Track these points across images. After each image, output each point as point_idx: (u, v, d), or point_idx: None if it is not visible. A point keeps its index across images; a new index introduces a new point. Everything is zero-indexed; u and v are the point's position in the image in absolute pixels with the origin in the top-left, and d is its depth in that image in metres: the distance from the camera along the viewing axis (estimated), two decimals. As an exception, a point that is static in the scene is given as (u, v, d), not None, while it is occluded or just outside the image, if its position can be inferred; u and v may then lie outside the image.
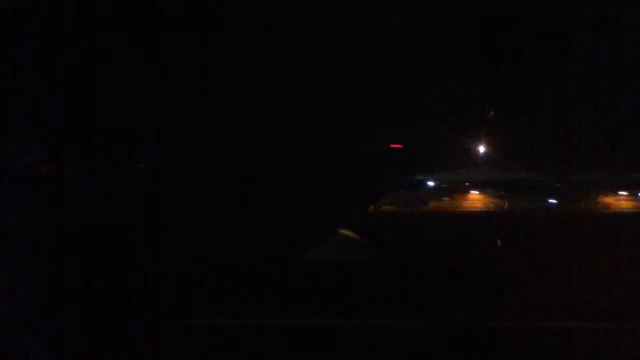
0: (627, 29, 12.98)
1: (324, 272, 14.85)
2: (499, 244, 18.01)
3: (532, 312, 12.56)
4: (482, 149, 15.17)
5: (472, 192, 28.03)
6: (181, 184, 12.36)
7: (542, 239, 19.44)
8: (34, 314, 10.79)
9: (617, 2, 12.88)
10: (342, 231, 15.99)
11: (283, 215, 12.74)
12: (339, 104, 12.71)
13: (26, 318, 10.72)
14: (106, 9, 12.02)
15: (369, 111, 12.95)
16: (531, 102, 14.21)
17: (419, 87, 13.21)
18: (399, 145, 15.81)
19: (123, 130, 12.18)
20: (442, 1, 13.05)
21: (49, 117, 12.07)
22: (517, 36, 13.17)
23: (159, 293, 11.49)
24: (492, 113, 14.65)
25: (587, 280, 13.80)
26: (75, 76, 12.14)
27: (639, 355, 10.64)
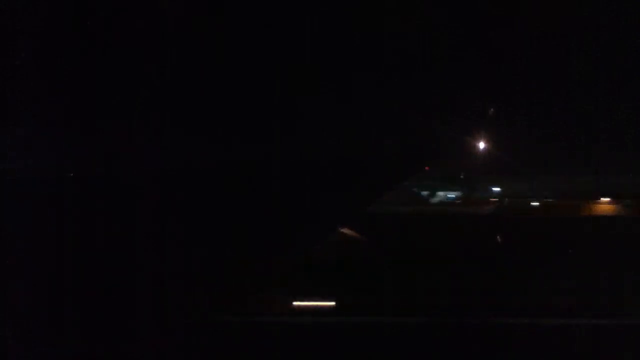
0: (627, 29, 12.98)
1: (324, 270, 14.86)
2: (499, 240, 17.95)
3: (532, 309, 12.61)
4: (482, 146, 15.17)
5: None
6: (182, 184, 12.38)
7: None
8: (34, 314, 10.81)
9: (617, 2, 12.88)
10: (343, 230, 16.01)
11: (283, 214, 12.76)
12: (339, 104, 12.71)
13: (26, 318, 10.73)
14: (106, 9, 12.02)
15: (369, 111, 12.96)
16: (531, 102, 14.22)
17: (419, 87, 13.21)
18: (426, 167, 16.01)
19: (123, 130, 12.19)
20: (442, 1, 13.04)
21: (49, 117, 12.08)
22: (517, 36, 13.16)
23: (161, 292, 11.51)
24: (492, 110, 14.64)
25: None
26: (75, 76, 12.15)
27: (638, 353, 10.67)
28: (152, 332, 10.88)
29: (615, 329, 11.79)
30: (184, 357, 10.80)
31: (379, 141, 13.31)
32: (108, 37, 12.01)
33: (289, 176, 12.67)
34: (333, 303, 12.95)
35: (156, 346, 10.64)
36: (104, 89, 12.10)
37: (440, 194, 20.94)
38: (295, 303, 12.90)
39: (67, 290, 11.14)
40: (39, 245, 11.40)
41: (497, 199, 21.02)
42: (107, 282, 11.41)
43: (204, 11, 12.08)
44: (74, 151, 12.19)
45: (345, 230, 16.19)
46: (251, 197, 12.49)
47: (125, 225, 11.86)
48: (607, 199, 20.81)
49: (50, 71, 12.09)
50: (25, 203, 11.59)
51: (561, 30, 13.13)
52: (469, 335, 11.68)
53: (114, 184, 12.09)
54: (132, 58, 12.07)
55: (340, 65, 12.61)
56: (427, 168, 16.96)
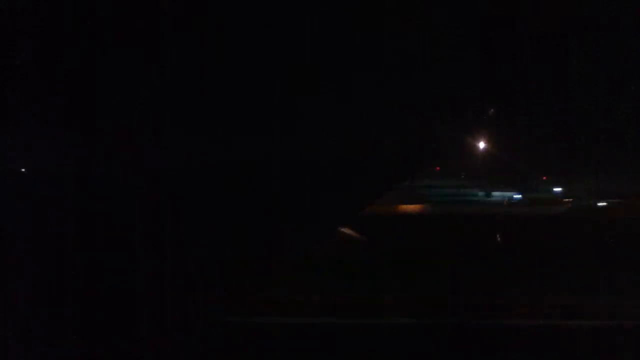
0: (627, 28, 12.98)
1: (325, 269, 14.88)
2: (499, 239, 17.93)
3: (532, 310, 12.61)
4: (482, 146, 15.19)
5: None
6: (182, 184, 12.38)
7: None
8: (34, 314, 10.82)
9: (616, 2, 12.88)
10: (343, 229, 16.05)
11: (283, 214, 12.76)
12: (339, 104, 12.71)
13: (26, 318, 10.74)
14: (106, 9, 12.02)
15: (369, 111, 12.96)
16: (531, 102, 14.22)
17: (419, 87, 13.20)
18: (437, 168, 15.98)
19: (123, 130, 12.19)
20: (442, 1, 13.03)
21: (49, 117, 12.08)
22: (517, 36, 13.15)
23: (161, 292, 11.52)
24: (492, 110, 14.64)
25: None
26: (75, 76, 12.15)
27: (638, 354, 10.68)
28: (152, 332, 10.89)
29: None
30: (184, 357, 10.82)
31: (379, 141, 13.31)
32: (108, 37, 12.00)
33: (289, 176, 12.67)
34: (334, 301, 12.97)
35: (156, 346, 10.66)
36: (104, 89, 12.09)
37: (497, 194, 20.78)
38: (295, 302, 12.93)
39: (67, 290, 11.15)
40: (39, 245, 11.40)
41: (569, 199, 20.73)
42: (107, 282, 11.41)
43: (204, 11, 12.08)
44: (74, 151, 12.18)
45: (346, 230, 16.23)
46: (251, 197, 12.49)
47: (125, 225, 11.86)
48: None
49: (50, 71, 12.09)
50: (25, 203, 11.60)
51: (561, 30, 13.14)
52: (469, 336, 11.70)
53: (114, 184, 12.10)
54: (132, 58, 12.06)
55: (340, 65, 12.61)
56: (437, 168, 16.94)
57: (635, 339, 11.11)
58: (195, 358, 10.85)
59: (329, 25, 12.43)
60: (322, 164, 12.85)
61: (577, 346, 11.21)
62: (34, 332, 10.55)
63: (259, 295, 12.76)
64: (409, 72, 12.99)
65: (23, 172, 12.09)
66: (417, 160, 14.69)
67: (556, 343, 11.46)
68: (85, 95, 12.07)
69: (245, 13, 12.14)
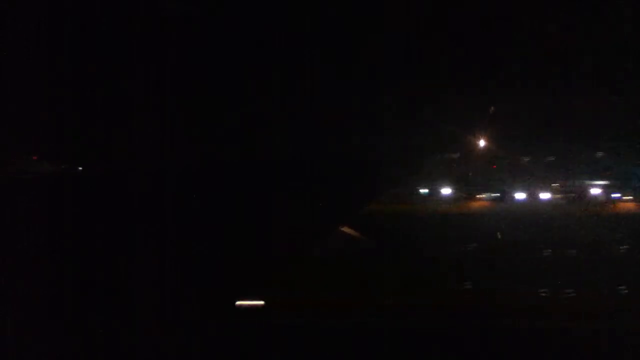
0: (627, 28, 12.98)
1: (325, 268, 14.87)
2: (499, 236, 17.88)
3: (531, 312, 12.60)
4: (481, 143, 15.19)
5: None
6: (182, 183, 12.41)
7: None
8: (34, 313, 10.85)
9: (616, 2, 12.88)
10: (343, 229, 16.02)
11: (283, 214, 12.79)
12: (339, 104, 12.74)
13: (26, 318, 10.77)
14: (106, 9, 12.05)
15: (368, 111, 12.99)
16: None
17: (418, 86, 13.22)
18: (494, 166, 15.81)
19: (123, 130, 12.22)
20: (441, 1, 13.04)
21: (49, 117, 12.12)
22: (516, 36, 13.17)
23: (161, 291, 11.55)
24: (492, 109, 14.66)
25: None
26: (74, 75, 12.18)
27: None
28: (153, 332, 10.91)
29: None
30: (184, 357, 10.84)
31: (378, 141, 13.34)
32: (109, 37, 12.04)
33: (289, 176, 12.70)
34: (333, 302, 12.98)
35: (156, 346, 10.68)
36: (103, 89, 12.12)
37: None
38: (295, 301, 12.95)
39: (67, 290, 11.18)
40: (39, 245, 11.44)
41: None
42: (107, 282, 11.44)
43: (205, 14, 12.12)
44: (73, 150, 12.23)
45: (346, 229, 16.20)
46: (251, 197, 12.52)
47: (125, 224, 11.89)
48: None
49: (50, 71, 12.12)
50: (25, 203, 11.62)
51: (561, 29, 13.15)
52: (469, 338, 11.70)
53: (114, 183, 12.13)
54: (131, 58, 12.09)
55: (340, 65, 12.63)
56: (494, 167, 16.69)
57: None
58: (195, 358, 10.87)
59: (328, 24, 12.47)
60: (321, 164, 12.89)
61: None
62: (34, 332, 10.58)
63: (258, 295, 12.77)
64: (408, 71, 13.04)
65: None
66: (417, 159, 14.70)
67: None
68: (84, 94, 12.12)
69: (244, 17, 12.17)
